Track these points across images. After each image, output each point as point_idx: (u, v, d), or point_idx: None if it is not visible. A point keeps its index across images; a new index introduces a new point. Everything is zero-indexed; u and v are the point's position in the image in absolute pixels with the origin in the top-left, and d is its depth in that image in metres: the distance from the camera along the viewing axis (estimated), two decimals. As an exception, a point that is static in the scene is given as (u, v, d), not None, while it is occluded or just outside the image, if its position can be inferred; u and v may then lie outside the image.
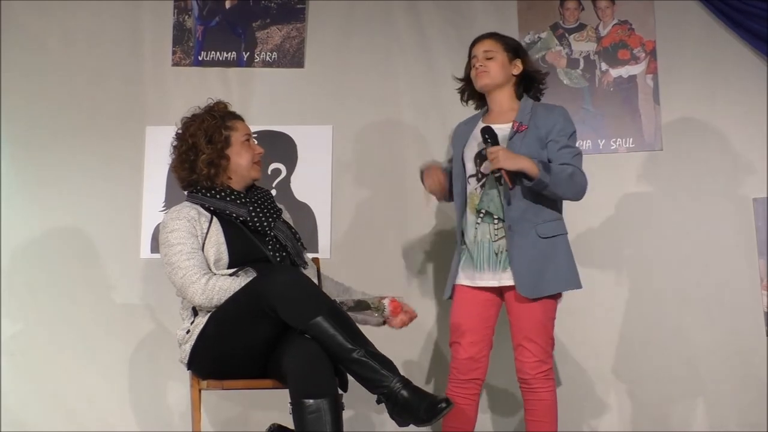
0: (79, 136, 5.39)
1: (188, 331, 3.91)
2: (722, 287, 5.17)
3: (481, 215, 4.28)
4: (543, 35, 5.44)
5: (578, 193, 4.25)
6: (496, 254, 4.23)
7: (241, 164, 4.11)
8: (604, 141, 5.33)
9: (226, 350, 3.80)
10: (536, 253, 4.17)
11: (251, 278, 3.85)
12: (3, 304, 5.24)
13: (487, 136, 4.17)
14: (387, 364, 3.64)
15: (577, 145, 4.30)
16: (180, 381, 4.89)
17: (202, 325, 3.87)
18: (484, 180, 4.28)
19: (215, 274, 3.89)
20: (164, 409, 5.17)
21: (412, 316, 4.24)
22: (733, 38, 5.30)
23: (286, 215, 4.32)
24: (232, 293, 3.82)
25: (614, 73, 5.38)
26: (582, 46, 5.42)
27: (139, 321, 5.26)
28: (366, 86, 5.44)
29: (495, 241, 4.24)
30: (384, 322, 4.22)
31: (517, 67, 4.38)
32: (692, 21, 5.34)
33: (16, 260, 5.28)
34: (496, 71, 4.34)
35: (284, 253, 4.06)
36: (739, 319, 5.14)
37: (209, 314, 3.87)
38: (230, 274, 3.91)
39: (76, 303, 5.25)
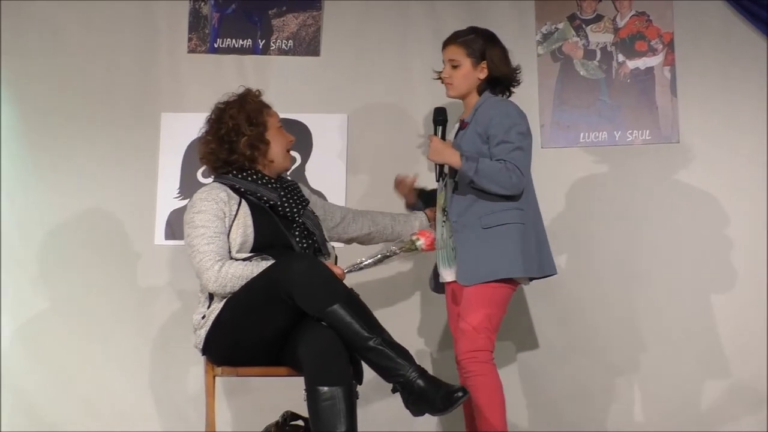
0: (95, 123, 5.38)
1: (204, 317, 3.91)
2: (738, 282, 5.14)
3: (446, 213, 4.37)
4: (560, 26, 5.41)
5: (505, 189, 4.20)
6: (453, 250, 4.32)
7: (276, 151, 4.13)
8: (620, 133, 5.31)
9: (241, 336, 3.81)
10: (479, 243, 4.21)
11: (265, 264, 3.85)
12: (18, 290, 5.25)
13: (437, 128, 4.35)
14: (403, 353, 3.64)
15: (518, 140, 4.24)
16: (194, 368, 4.89)
17: (218, 311, 3.87)
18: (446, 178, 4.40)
19: (229, 260, 3.88)
20: (179, 396, 5.17)
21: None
22: (752, 31, 5.27)
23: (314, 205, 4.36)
24: (245, 280, 3.82)
25: (631, 64, 5.36)
26: (599, 37, 5.40)
27: (154, 307, 5.26)
28: (382, 75, 5.42)
29: (451, 237, 4.32)
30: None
31: (483, 71, 4.39)
32: (710, 13, 5.31)
33: (32, 247, 5.28)
34: (459, 82, 4.41)
35: (310, 241, 4.06)
36: (754, 314, 5.12)
37: (225, 300, 3.87)
38: (243, 259, 3.90)
39: (91, 290, 5.25)
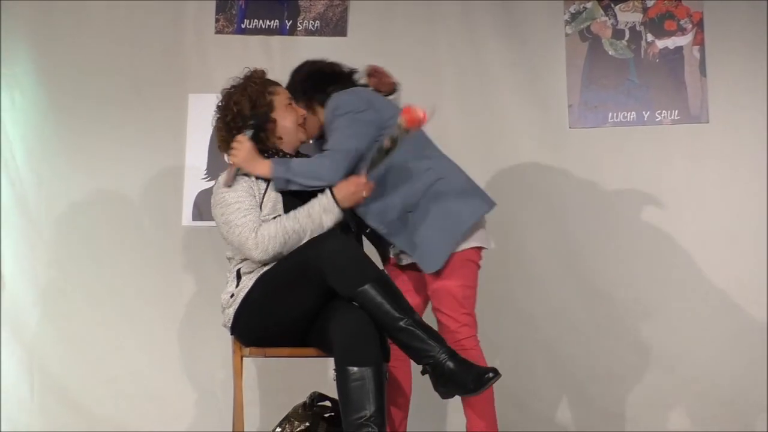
0: (122, 104, 5.40)
1: (232, 295, 3.92)
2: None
3: (369, 232, 4.23)
4: (588, 5, 5.38)
5: (321, 178, 3.94)
6: (402, 253, 4.18)
7: (287, 126, 4.11)
8: (648, 113, 5.28)
9: (270, 315, 3.81)
10: (418, 227, 4.04)
11: (296, 216, 3.87)
12: (47, 272, 5.29)
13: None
14: (433, 334, 3.64)
15: (334, 123, 4.06)
16: (223, 348, 4.89)
17: (247, 289, 3.87)
18: None
19: (261, 224, 3.88)
20: (205, 377, 5.21)
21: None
22: (782, 9, 5.25)
23: None
24: (284, 236, 3.82)
25: (660, 44, 5.32)
26: (628, 16, 5.36)
27: (182, 288, 5.30)
28: (409, 55, 5.40)
29: (394, 247, 4.19)
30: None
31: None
32: (740, -8, 5.28)
33: (60, 229, 5.31)
34: (311, 126, 4.23)
35: None
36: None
37: (257, 278, 3.87)
38: (273, 218, 3.91)
39: (119, 271, 5.29)
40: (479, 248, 4.10)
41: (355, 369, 3.55)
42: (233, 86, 4.15)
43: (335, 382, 3.60)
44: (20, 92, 5.38)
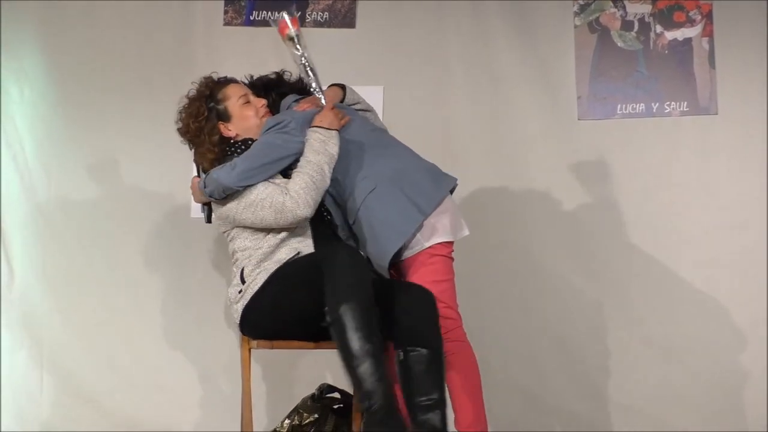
0: (131, 96, 5.40)
1: (240, 291, 3.93)
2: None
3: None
4: (597, -4, 5.38)
5: (224, 182, 3.93)
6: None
7: (249, 126, 4.12)
8: (657, 104, 5.27)
9: (279, 313, 3.82)
10: (365, 234, 4.03)
11: (306, 163, 3.91)
12: (56, 264, 5.30)
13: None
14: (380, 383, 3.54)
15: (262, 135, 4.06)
16: (230, 340, 4.92)
17: (256, 286, 3.88)
18: None
19: (285, 186, 3.91)
20: (214, 369, 5.21)
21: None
22: (792, 2, 5.23)
23: None
24: (312, 181, 3.87)
25: (669, 35, 5.31)
26: (637, 8, 5.35)
27: (190, 281, 5.30)
28: (417, 47, 5.40)
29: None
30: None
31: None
32: (750, -18, 5.27)
33: (69, 222, 5.32)
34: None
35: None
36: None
37: (266, 276, 3.87)
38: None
39: (127, 264, 5.30)
40: (447, 242, 4.06)
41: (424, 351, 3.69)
42: (181, 111, 4.22)
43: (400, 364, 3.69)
44: (29, 85, 5.39)
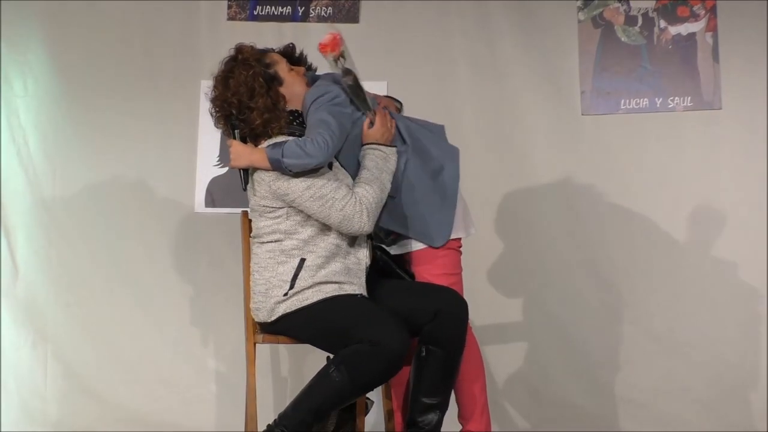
0: (134, 91, 5.41)
1: (286, 294, 3.77)
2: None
3: None
4: (601, -9, 5.38)
5: (310, 157, 3.73)
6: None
7: (298, 92, 3.95)
8: (661, 99, 5.28)
9: (314, 337, 3.81)
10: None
11: (373, 180, 3.81)
12: (61, 259, 5.31)
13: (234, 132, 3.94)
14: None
15: (317, 108, 3.87)
16: (235, 334, 4.91)
17: (306, 302, 3.76)
18: None
19: (359, 196, 3.78)
20: (218, 363, 5.23)
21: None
22: (796, -4, 5.23)
23: None
24: (380, 199, 3.80)
25: (673, 30, 5.31)
26: (640, 3, 5.35)
27: (194, 274, 5.31)
28: (421, 42, 5.41)
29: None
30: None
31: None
32: (753, -23, 5.27)
33: (73, 215, 5.33)
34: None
35: None
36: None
37: (318, 297, 3.76)
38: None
39: (132, 258, 5.31)
40: (457, 238, 4.06)
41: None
42: (225, 73, 3.92)
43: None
44: (33, 79, 5.39)
